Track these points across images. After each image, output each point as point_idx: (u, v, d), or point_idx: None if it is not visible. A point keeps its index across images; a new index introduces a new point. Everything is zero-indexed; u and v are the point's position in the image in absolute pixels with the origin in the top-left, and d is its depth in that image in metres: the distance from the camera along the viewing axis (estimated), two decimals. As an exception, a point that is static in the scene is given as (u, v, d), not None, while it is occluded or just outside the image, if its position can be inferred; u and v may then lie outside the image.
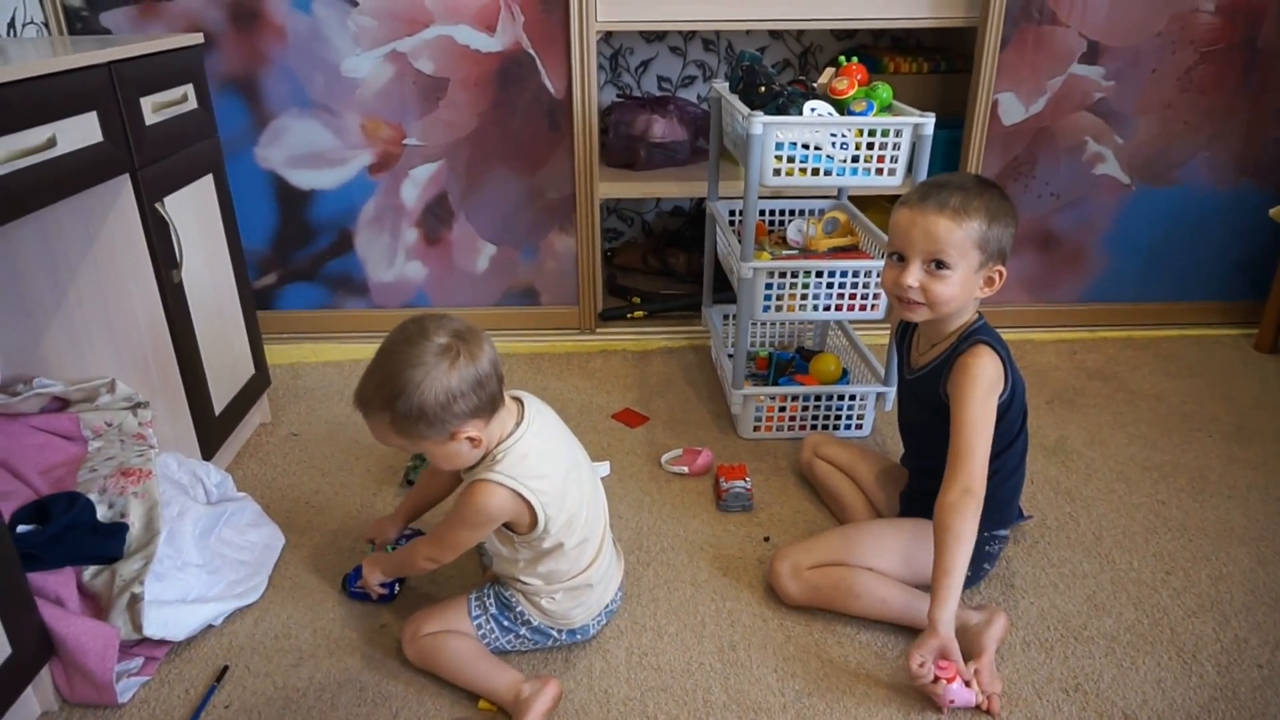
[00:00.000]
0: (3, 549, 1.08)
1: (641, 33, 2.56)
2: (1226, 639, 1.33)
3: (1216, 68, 2.13)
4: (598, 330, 2.34)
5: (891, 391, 1.84)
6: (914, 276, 1.29)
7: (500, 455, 1.17)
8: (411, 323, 1.15)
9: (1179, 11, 2.07)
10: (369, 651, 1.32)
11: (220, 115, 1.77)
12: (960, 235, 1.26)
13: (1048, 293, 2.37)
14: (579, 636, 1.31)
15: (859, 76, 1.74)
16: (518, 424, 1.20)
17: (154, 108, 1.49)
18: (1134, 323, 2.39)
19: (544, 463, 1.19)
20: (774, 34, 2.58)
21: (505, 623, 1.27)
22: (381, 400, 1.12)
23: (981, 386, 1.27)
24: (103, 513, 1.36)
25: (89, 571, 1.29)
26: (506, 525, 1.21)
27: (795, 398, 1.85)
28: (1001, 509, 1.39)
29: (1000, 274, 1.31)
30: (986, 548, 1.40)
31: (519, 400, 1.24)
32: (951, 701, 1.19)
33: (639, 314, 2.37)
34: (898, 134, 1.63)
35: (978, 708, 1.20)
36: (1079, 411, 1.99)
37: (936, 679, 1.18)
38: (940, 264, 1.28)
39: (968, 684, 1.19)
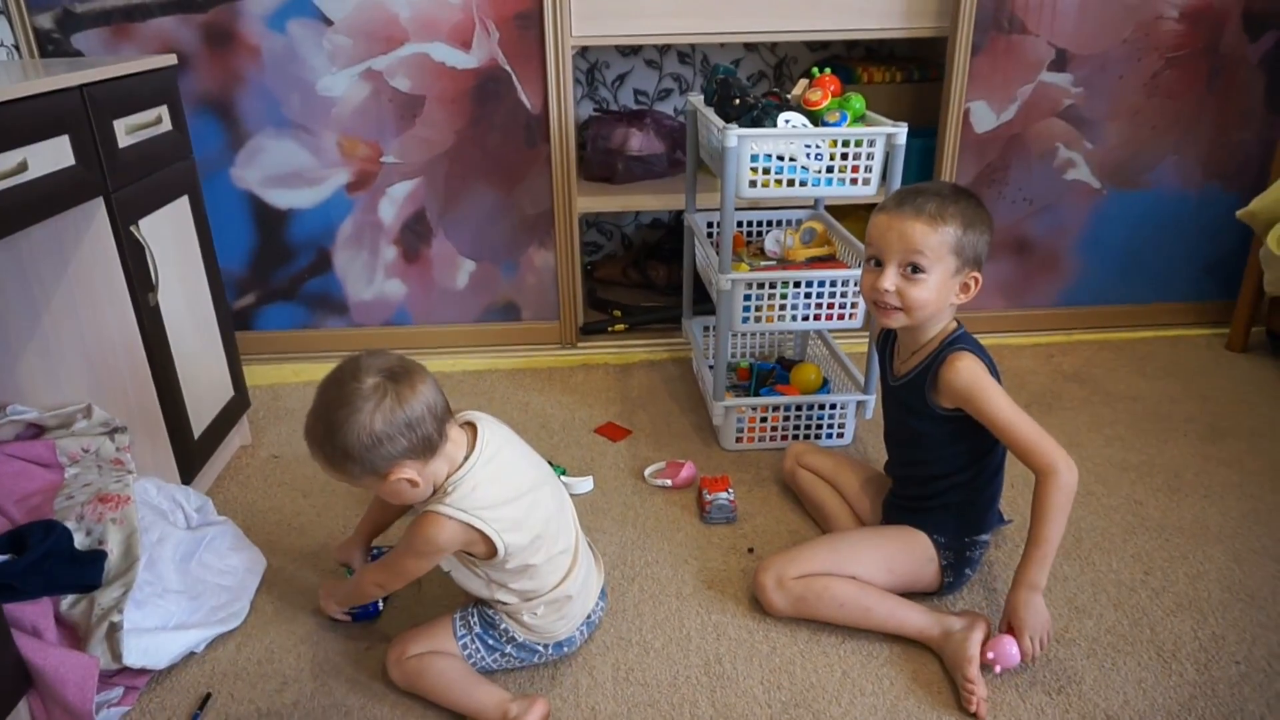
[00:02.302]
0: (-22, 581, 1.07)
1: (617, 47, 2.57)
2: (1204, 637, 1.35)
3: (1181, 73, 2.17)
4: (579, 344, 2.34)
5: (872, 400, 1.86)
6: (890, 280, 1.31)
7: (450, 488, 1.16)
8: (348, 361, 1.14)
9: (1144, 19, 2.11)
10: (354, 675, 1.31)
11: (195, 135, 1.76)
12: (936, 240, 1.28)
13: (1024, 297, 2.40)
14: (565, 649, 1.31)
15: (832, 88, 1.75)
16: (468, 455, 1.18)
17: (127, 130, 1.48)
18: (1109, 325, 2.42)
19: (498, 490, 1.18)
20: (748, 46, 2.61)
21: (490, 641, 1.27)
22: (315, 438, 1.12)
23: (984, 383, 1.29)
24: (80, 540, 1.35)
25: (67, 601, 1.27)
26: (466, 553, 1.20)
27: (777, 408, 1.86)
28: (982, 514, 1.41)
29: (976, 280, 1.33)
30: (967, 553, 1.41)
31: (472, 426, 1.22)
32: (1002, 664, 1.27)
33: (620, 327, 2.38)
34: (871, 144, 1.65)
35: (965, 710, 1.22)
36: (1057, 414, 2.01)
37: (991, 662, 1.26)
38: (916, 268, 1.29)
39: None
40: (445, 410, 1.16)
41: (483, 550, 1.18)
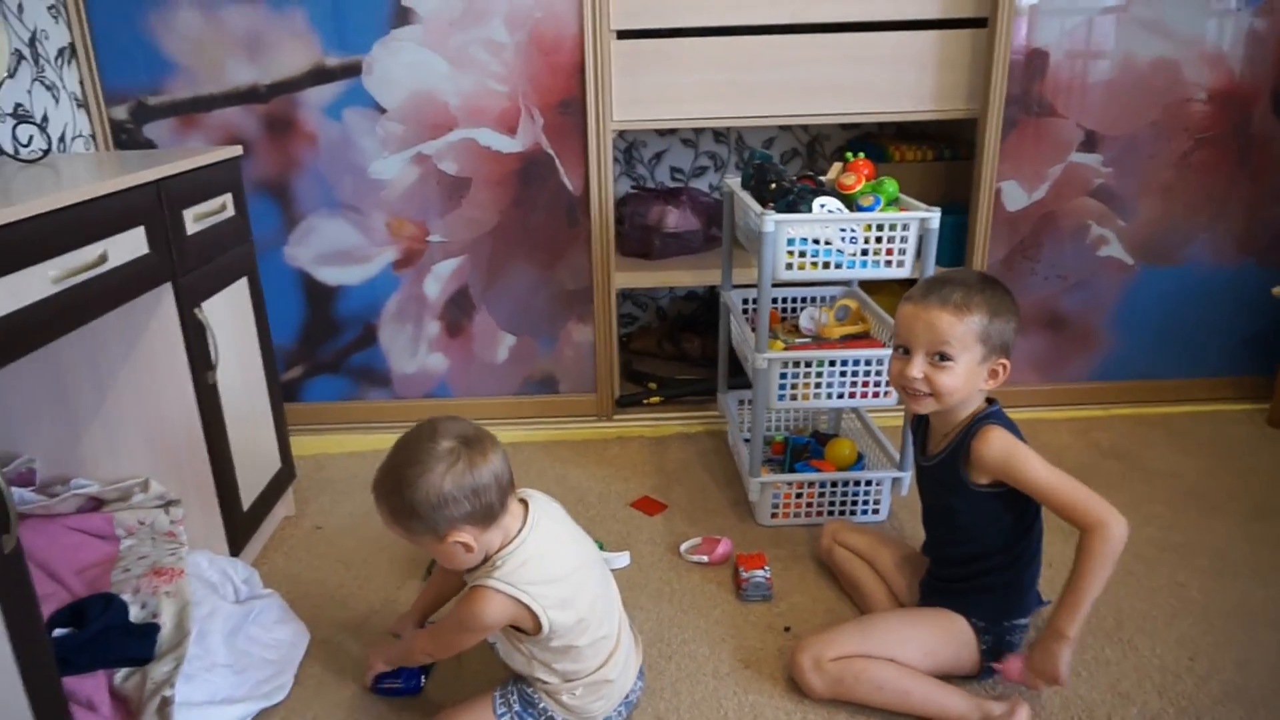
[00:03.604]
0: (43, 657, 1.11)
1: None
2: (1255, 729, 1.32)
3: (1212, 153, 2.20)
4: (615, 416, 2.38)
5: (907, 476, 1.86)
6: (918, 368, 1.35)
7: (500, 562, 1.19)
8: (426, 423, 1.20)
9: (1171, 101, 2.15)
10: (395, 751, 1.33)
11: (252, 215, 1.85)
12: (962, 329, 1.31)
13: (1058, 372, 2.40)
14: (603, 729, 1.32)
15: (865, 172, 1.81)
16: (520, 529, 1.22)
17: (195, 218, 1.57)
18: (1145, 400, 2.41)
19: (546, 567, 1.21)
20: (782, 126, 2.69)
21: (529, 720, 1.28)
22: (383, 490, 1.18)
23: (1017, 449, 1.31)
24: (135, 613, 1.39)
25: (120, 674, 1.31)
26: (513, 627, 1.23)
27: (812, 484, 1.88)
28: (1020, 597, 1.40)
29: (1004, 367, 1.35)
30: (1007, 638, 1.40)
31: (525, 503, 1.26)
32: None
33: (655, 400, 2.42)
34: (905, 228, 1.69)
35: None
36: (1094, 490, 1.99)
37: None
38: (944, 356, 1.32)
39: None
40: (510, 483, 1.21)
41: (530, 625, 1.21)
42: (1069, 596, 1.27)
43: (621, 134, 2.68)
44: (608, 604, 1.30)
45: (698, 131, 2.70)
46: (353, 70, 2.07)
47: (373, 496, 1.20)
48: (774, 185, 1.81)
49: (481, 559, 1.21)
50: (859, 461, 1.99)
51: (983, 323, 1.32)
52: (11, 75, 1.78)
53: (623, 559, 1.76)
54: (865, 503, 1.90)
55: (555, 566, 1.22)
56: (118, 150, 2.06)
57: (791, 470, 1.97)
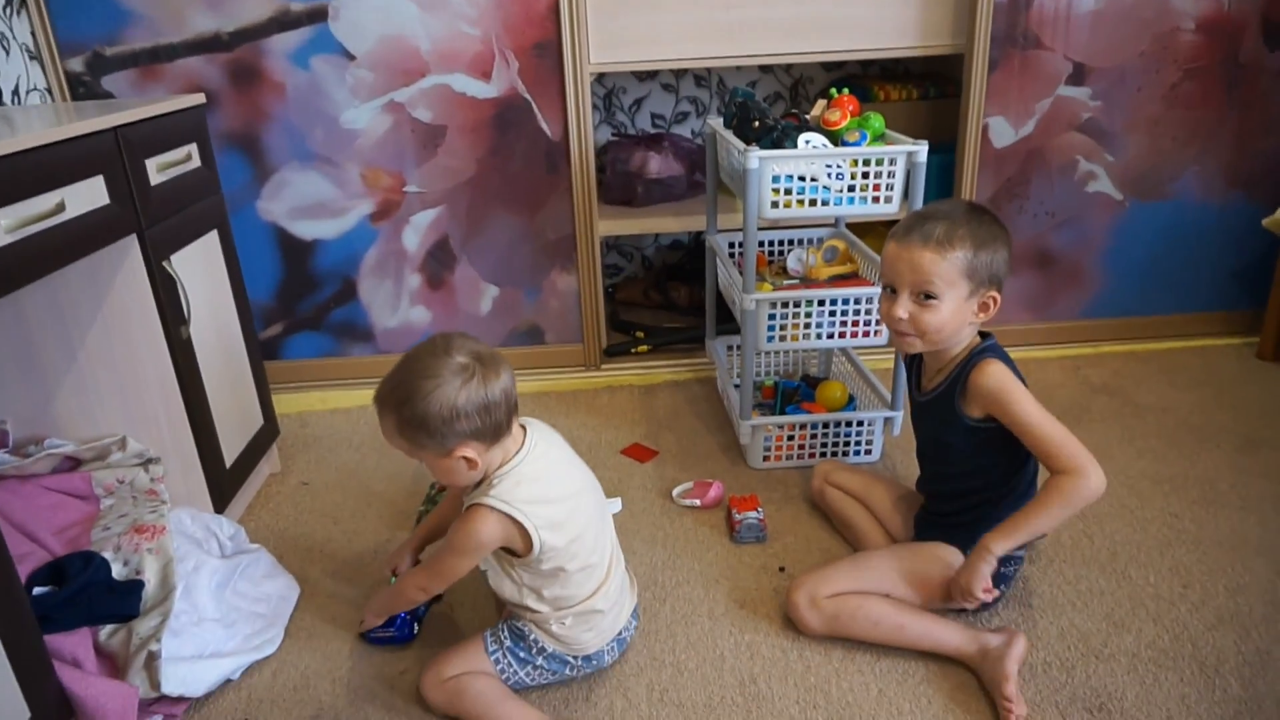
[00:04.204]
0: (21, 614, 1.08)
1: (634, 72, 2.60)
2: (1248, 651, 1.33)
3: (1201, 84, 2.17)
4: (603, 366, 2.35)
5: (899, 416, 1.85)
6: (903, 308, 1.33)
7: (496, 480, 1.20)
8: (440, 336, 1.19)
9: (1160, 31, 2.11)
10: (389, 699, 1.31)
11: (222, 171, 1.80)
12: (945, 266, 1.28)
13: (1049, 310, 2.38)
14: (595, 664, 1.31)
15: (851, 108, 1.77)
16: (518, 450, 1.22)
17: (159, 168, 1.52)
18: (1136, 336, 2.40)
19: (542, 489, 1.21)
20: (764, 68, 2.63)
21: (521, 654, 1.27)
22: (393, 402, 1.16)
23: (1011, 385, 1.29)
24: (118, 570, 1.36)
25: (105, 631, 1.29)
26: (505, 550, 1.22)
27: (803, 426, 1.86)
28: (1039, 533, 1.39)
29: (994, 300, 1.33)
30: (1002, 569, 1.39)
31: (524, 428, 1.26)
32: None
33: (643, 349, 2.39)
34: (892, 163, 1.66)
35: None
36: (1086, 427, 2.00)
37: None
38: (928, 295, 1.30)
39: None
40: (516, 403, 1.21)
41: (521, 546, 1.20)
42: (1012, 520, 1.28)
43: (600, 79, 2.62)
44: (600, 533, 1.29)
45: (678, 75, 2.64)
46: (319, 15, 2.00)
47: (376, 407, 1.19)
48: (757, 123, 1.76)
49: (481, 477, 1.21)
50: (850, 403, 1.97)
51: (966, 257, 1.28)
52: (-40, 24, 1.70)
53: (615, 505, 1.75)
54: (858, 444, 1.88)
55: (550, 489, 1.22)
56: (75, 102, 1.98)
57: (782, 414, 1.95)
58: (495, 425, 1.17)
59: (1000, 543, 1.28)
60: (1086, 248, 2.32)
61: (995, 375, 1.31)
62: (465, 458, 1.17)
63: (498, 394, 1.16)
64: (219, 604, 1.39)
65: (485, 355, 1.18)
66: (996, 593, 1.31)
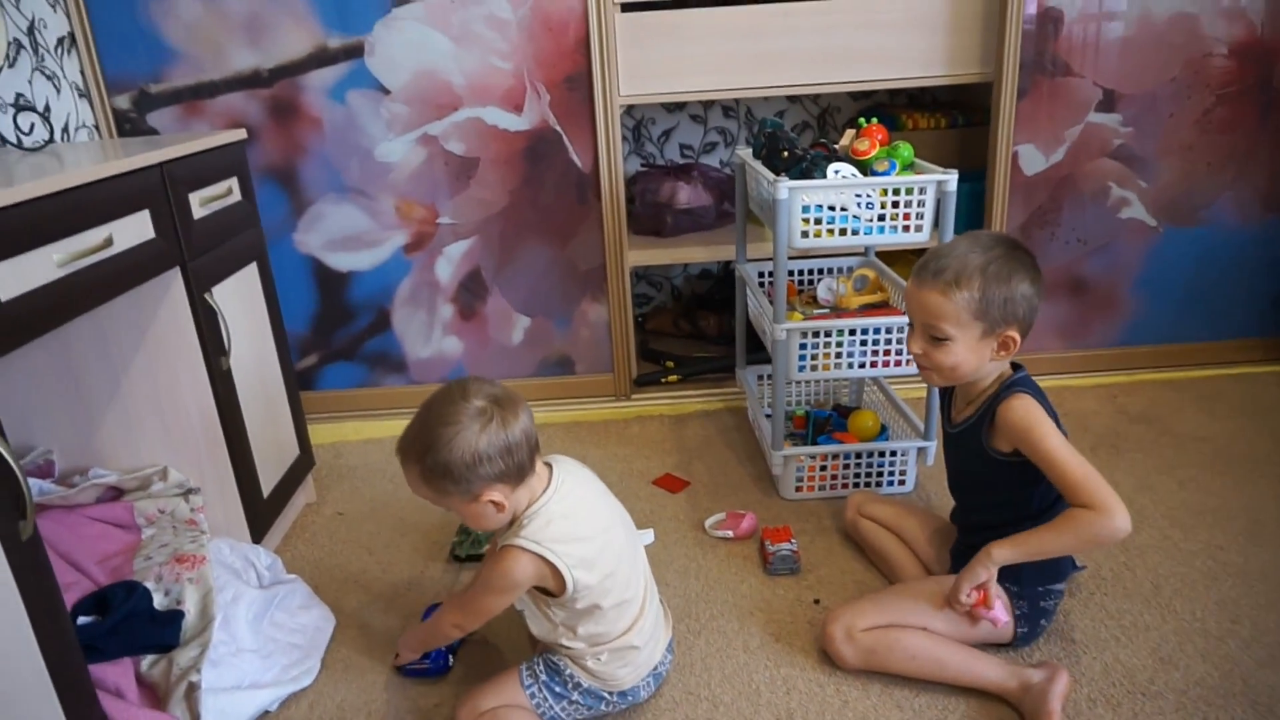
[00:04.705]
0: (67, 645, 1.09)
1: (663, 104, 2.63)
2: (1302, 689, 1.29)
3: (1234, 109, 2.15)
4: (633, 396, 2.35)
5: (933, 446, 1.83)
6: (917, 345, 1.34)
7: (526, 520, 1.20)
8: (455, 383, 1.20)
9: (1191, 57, 2.10)
10: (424, 732, 1.31)
11: (260, 204, 1.83)
12: (951, 309, 1.28)
13: (1082, 338, 2.36)
14: (630, 699, 1.30)
15: (879, 137, 1.77)
16: (545, 489, 1.22)
17: (201, 202, 1.55)
18: (1172, 364, 2.37)
19: (572, 527, 1.21)
20: (791, 98, 2.65)
21: (556, 689, 1.27)
22: (415, 452, 1.17)
23: (1040, 424, 1.27)
24: (159, 600, 1.38)
25: (146, 661, 1.30)
26: (539, 589, 1.22)
27: (836, 456, 1.85)
28: (1056, 561, 1.37)
29: (1013, 340, 1.30)
30: (1042, 603, 1.37)
31: (549, 465, 1.26)
32: (994, 619, 1.32)
33: (673, 378, 2.39)
34: (922, 191, 1.66)
35: None
36: (1124, 457, 1.97)
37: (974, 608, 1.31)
38: (939, 335, 1.30)
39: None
40: (537, 442, 1.21)
41: (554, 586, 1.20)
42: (1024, 535, 1.28)
43: (629, 111, 2.65)
44: (633, 567, 1.28)
45: (706, 106, 2.67)
46: (355, 51, 2.04)
47: (399, 459, 1.20)
48: (786, 153, 1.77)
49: (510, 519, 1.21)
50: (883, 433, 1.96)
51: (974, 298, 1.27)
52: (11, 64, 1.75)
53: (648, 536, 1.74)
54: (891, 474, 1.87)
55: (580, 526, 1.22)
56: (121, 139, 2.03)
57: (814, 444, 1.94)
58: (519, 466, 1.17)
59: (1005, 552, 1.28)
60: (1120, 274, 2.29)
61: (1021, 410, 1.29)
62: (492, 501, 1.17)
63: (518, 435, 1.16)
64: (256, 635, 1.40)
65: (502, 397, 1.18)
66: (988, 609, 1.31)
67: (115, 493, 1.58)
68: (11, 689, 1.02)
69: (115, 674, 1.24)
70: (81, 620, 1.29)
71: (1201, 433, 2.05)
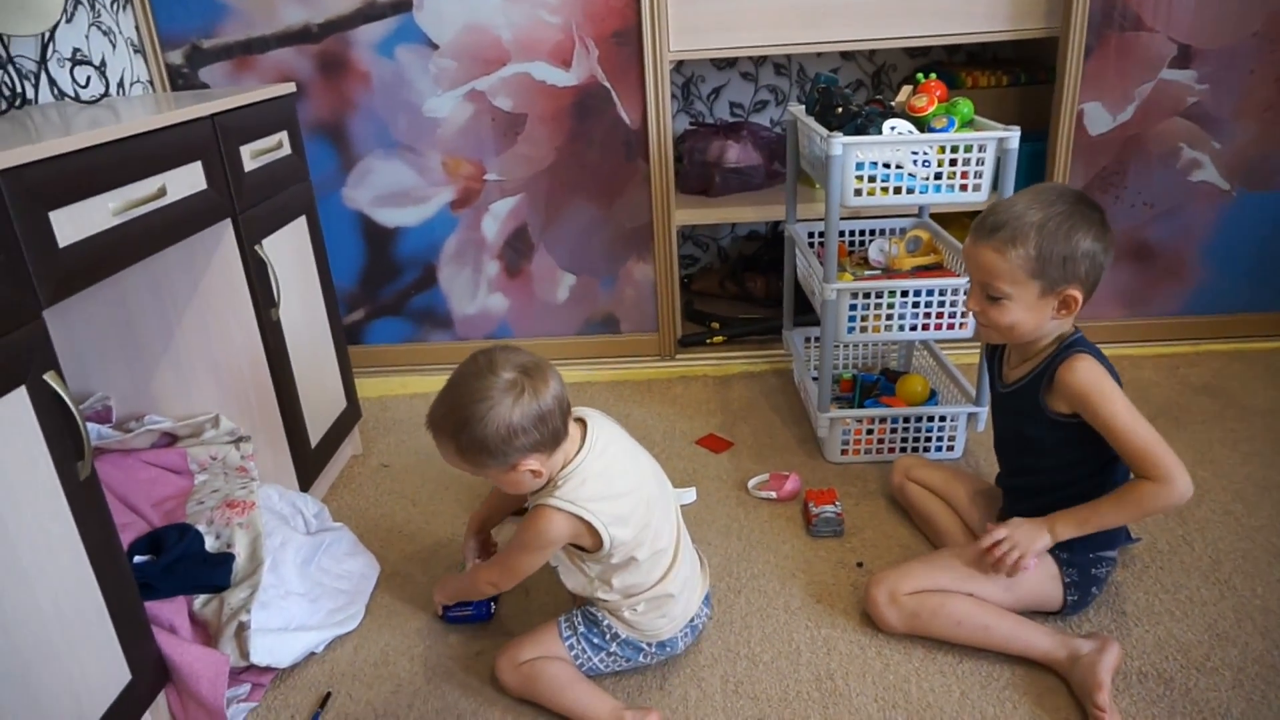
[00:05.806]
0: (124, 581, 1.13)
1: (712, 60, 2.58)
2: (1367, 670, 1.24)
3: (1320, 65, 2.03)
4: (678, 356, 2.34)
5: (984, 412, 1.79)
6: (975, 303, 1.31)
7: (561, 481, 1.19)
8: (481, 355, 1.18)
9: (1276, 9, 1.99)
10: (465, 679, 1.33)
11: (309, 159, 1.84)
12: (1007, 267, 1.24)
13: (1145, 306, 2.28)
14: (669, 650, 1.30)
15: (938, 93, 1.71)
16: (579, 449, 1.21)
17: (252, 155, 1.56)
18: (1241, 334, 2.27)
19: (606, 485, 1.20)
20: (845, 55, 2.57)
21: (595, 640, 1.28)
22: (449, 428, 1.16)
23: (1104, 384, 1.24)
24: (210, 543, 1.41)
25: (199, 600, 1.34)
26: (575, 545, 1.22)
27: (883, 420, 1.81)
28: (1108, 529, 1.33)
29: (1075, 298, 1.24)
30: (1093, 570, 1.34)
31: (583, 422, 1.25)
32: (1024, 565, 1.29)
33: (719, 339, 2.37)
34: (981, 149, 1.60)
35: None
36: (1186, 429, 1.90)
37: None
38: (996, 293, 1.26)
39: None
40: (568, 404, 1.20)
41: (590, 543, 1.20)
42: (1085, 509, 1.26)
43: (679, 68, 2.60)
44: (665, 517, 1.28)
45: (757, 63, 2.60)
46: (404, 6, 2.03)
47: (431, 433, 1.19)
48: (840, 109, 1.72)
49: (545, 481, 1.20)
50: (932, 398, 1.92)
51: (1030, 256, 1.22)
52: (69, 20, 1.78)
53: (689, 495, 1.74)
54: (939, 440, 1.83)
55: (614, 484, 1.21)
56: (174, 93, 2.06)
57: (861, 407, 1.91)
58: (554, 433, 1.16)
59: (1068, 528, 1.27)
60: (1188, 240, 2.20)
61: (1086, 372, 1.25)
62: (531, 470, 1.17)
63: (550, 402, 1.15)
64: (304, 579, 1.43)
65: (530, 366, 1.16)
66: (1029, 566, 1.29)
67: (169, 439, 1.62)
68: (72, 620, 1.05)
69: (169, 611, 1.27)
70: (137, 559, 1.33)
71: (1270, 406, 1.97)
